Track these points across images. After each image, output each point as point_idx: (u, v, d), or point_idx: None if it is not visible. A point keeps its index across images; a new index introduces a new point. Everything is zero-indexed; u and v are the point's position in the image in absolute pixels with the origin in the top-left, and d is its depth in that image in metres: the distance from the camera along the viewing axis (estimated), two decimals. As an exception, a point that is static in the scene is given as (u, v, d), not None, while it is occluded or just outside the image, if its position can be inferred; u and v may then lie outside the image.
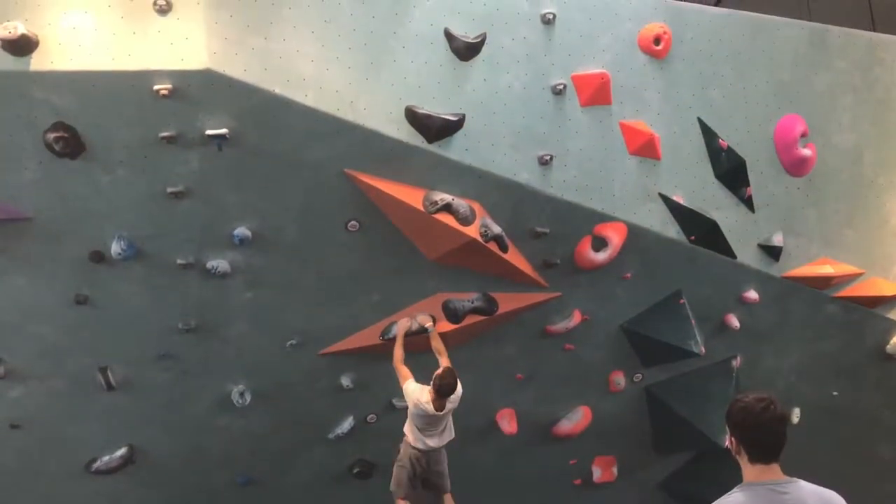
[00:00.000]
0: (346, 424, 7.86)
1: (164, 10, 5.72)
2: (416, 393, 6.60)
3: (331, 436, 7.86)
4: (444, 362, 6.75)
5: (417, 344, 7.08)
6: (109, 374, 7.19)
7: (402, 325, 7.09)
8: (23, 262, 6.61)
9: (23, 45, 5.57)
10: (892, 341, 8.52)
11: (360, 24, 6.23)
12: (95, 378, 7.19)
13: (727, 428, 3.37)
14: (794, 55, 7.77)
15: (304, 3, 6.06)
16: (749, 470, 3.31)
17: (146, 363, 7.23)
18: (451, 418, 6.76)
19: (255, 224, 6.65)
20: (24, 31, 5.52)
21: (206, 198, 6.45)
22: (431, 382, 6.50)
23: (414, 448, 6.77)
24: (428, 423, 6.67)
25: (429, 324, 7.07)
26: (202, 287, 6.90)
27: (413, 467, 6.78)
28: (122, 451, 7.62)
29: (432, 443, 6.73)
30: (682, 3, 7.53)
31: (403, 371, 6.79)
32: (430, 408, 6.52)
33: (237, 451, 7.86)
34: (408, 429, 6.81)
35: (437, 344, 6.96)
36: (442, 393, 6.47)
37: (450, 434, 6.81)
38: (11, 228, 6.37)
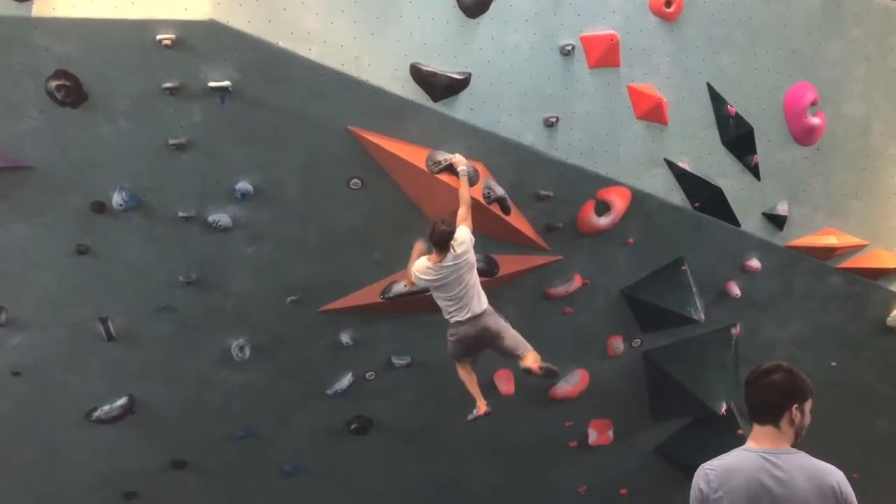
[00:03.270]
0: (345, 381, 7.90)
1: (168, -41, 5.64)
2: (416, 266, 6.35)
3: (329, 392, 7.91)
4: (461, 211, 6.32)
5: (413, 303, 7.08)
6: (110, 325, 7.23)
7: (418, 247, 6.52)
8: (24, 211, 6.62)
9: (24, -9, 5.50)
10: (892, 314, 8.51)
11: (366, -23, 6.14)
12: (96, 328, 7.22)
13: None
14: (808, 22, 7.64)
15: (310, -45, 5.96)
16: (753, 432, 3.32)
17: (147, 315, 7.26)
18: (473, 280, 6.31)
19: (257, 179, 6.62)
20: (26, -24, 5.45)
21: (209, 151, 6.42)
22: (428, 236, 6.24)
23: (454, 322, 6.41)
24: (444, 288, 6.27)
25: (462, 167, 6.42)
26: (203, 240, 6.90)
27: (462, 342, 6.42)
28: (122, 401, 7.69)
29: (465, 309, 6.30)
30: (696, -36, 7.38)
31: (410, 272, 6.48)
32: (432, 272, 6.22)
33: (236, 405, 7.93)
34: (443, 312, 6.47)
35: (463, 190, 6.37)
36: (436, 241, 6.15)
37: (479, 301, 6.34)
38: (13, 176, 6.36)
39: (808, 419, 3.28)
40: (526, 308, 7.78)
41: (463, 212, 6.33)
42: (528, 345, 6.44)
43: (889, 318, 8.54)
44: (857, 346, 8.72)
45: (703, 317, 7.74)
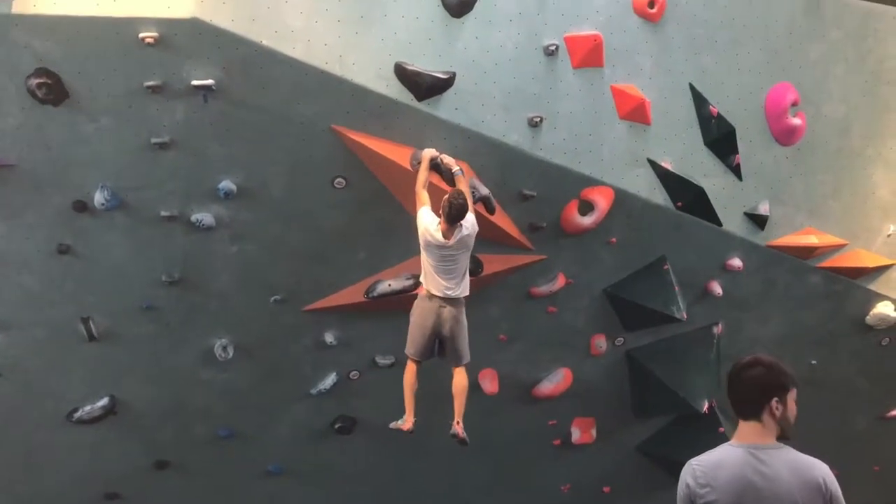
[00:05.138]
0: (329, 381, 7.88)
1: (151, -44, 5.60)
2: (427, 220, 6.18)
3: (313, 391, 7.89)
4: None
5: (397, 303, 7.08)
6: (91, 325, 7.17)
7: (428, 152, 6.40)
8: (5, 210, 6.56)
9: (5, -12, 5.45)
10: (871, 312, 8.61)
11: (351, -24, 6.12)
12: (77, 328, 7.16)
13: None
14: (789, 23, 7.72)
15: (294, -47, 5.95)
16: (738, 427, 3.31)
17: (129, 314, 7.21)
18: (467, 267, 6.35)
19: (241, 178, 6.60)
20: (7, -27, 5.40)
21: (191, 149, 6.39)
22: (441, 207, 6.07)
23: (428, 296, 6.31)
24: (440, 259, 6.18)
25: (456, 168, 6.40)
26: (186, 240, 6.86)
27: (426, 321, 6.30)
28: (103, 402, 7.63)
29: (449, 285, 6.23)
30: (679, -35, 7.42)
31: (423, 196, 6.30)
32: (439, 235, 6.09)
33: (219, 405, 7.89)
34: (422, 276, 6.38)
35: (462, 188, 6.31)
36: (451, 216, 5.98)
37: (466, 286, 6.34)
38: (-7, 175, 6.30)
39: (792, 410, 3.26)
40: (510, 307, 7.81)
41: (468, 204, 6.27)
42: (468, 355, 6.44)
43: (868, 317, 8.64)
44: (837, 344, 8.81)
45: (685, 315, 7.81)
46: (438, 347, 6.48)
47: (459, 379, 6.48)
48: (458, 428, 6.39)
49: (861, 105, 8.18)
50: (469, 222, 6.18)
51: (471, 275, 6.89)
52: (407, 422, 6.46)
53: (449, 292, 6.29)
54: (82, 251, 6.80)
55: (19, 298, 7.01)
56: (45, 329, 7.19)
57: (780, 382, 3.26)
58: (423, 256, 6.30)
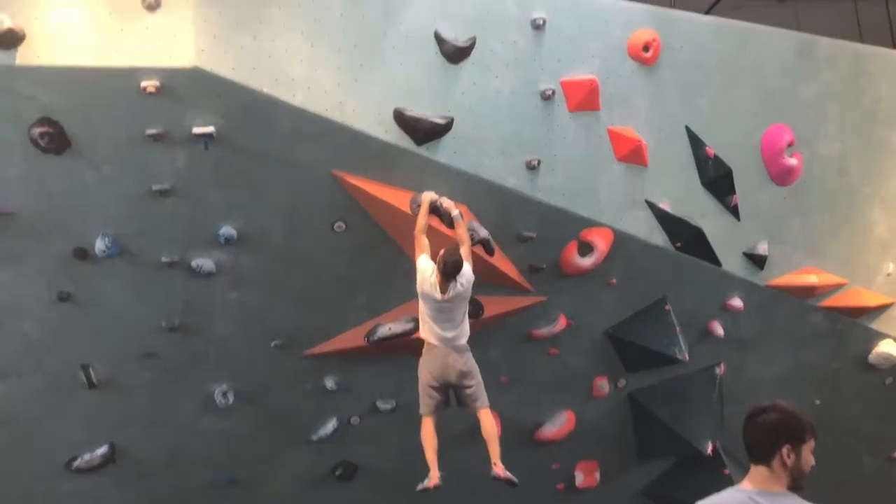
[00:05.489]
0: (330, 426, 7.82)
1: (152, 7, 5.70)
2: (426, 270, 6.12)
3: (314, 437, 7.82)
4: (464, 251, 6.23)
5: (398, 346, 7.06)
6: (91, 372, 7.14)
7: (427, 196, 6.41)
8: (6, 258, 6.56)
9: (9, 39, 5.55)
10: (874, 351, 8.57)
11: (350, 24, 6.22)
12: (77, 376, 7.13)
13: None
14: (783, 65, 7.82)
15: (293, 3, 6.05)
16: (749, 472, 3.25)
17: (129, 361, 7.18)
18: (465, 313, 6.26)
19: (241, 223, 6.62)
20: (11, 25, 5.50)
21: (192, 196, 6.42)
22: (437, 262, 6.04)
23: (428, 348, 6.23)
24: (437, 310, 6.14)
25: (456, 212, 6.39)
26: (187, 286, 6.86)
27: (433, 372, 6.19)
28: (102, 450, 7.55)
29: (448, 334, 6.14)
30: (672, 10, 7.56)
31: (422, 242, 6.29)
32: (436, 292, 6.04)
33: (219, 452, 7.81)
34: (422, 328, 6.29)
35: (461, 232, 6.35)
36: (446, 272, 5.96)
37: (465, 331, 6.24)
38: (-5, 223, 6.33)
39: (807, 462, 3.19)
40: (511, 350, 7.78)
41: (465, 251, 6.28)
42: (485, 398, 6.32)
43: (871, 356, 8.60)
44: (841, 384, 8.75)
45: (687, 356, 7.77)
46: (456, 397, 6.35)
47: (485, 422, 6.32)
48: (497, 469, 6.22)
49: (856, 145, 8.25)
50: (465, 277, 6.15)
51: (471, 317, 6.84)
52: (433, 479, 6.25)
53: (449, 336, 6.23)
54: (83, 298, 6.80)
55: (19, 346, 6.99)
56: (44, 377, 7.14)
57: (794, 431, 3.19)
58: (421, 305, 6.27)
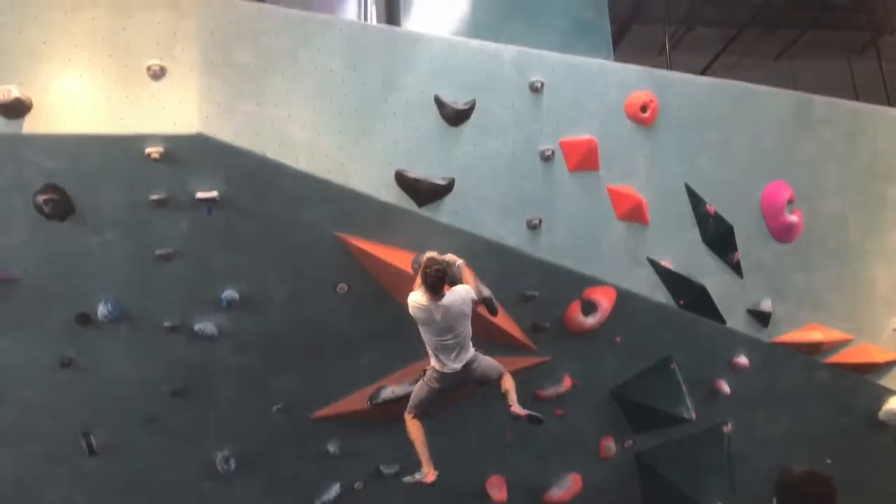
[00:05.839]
0: (333, 492, 7.70)
1: (157, 76, 5.79)
2: (415, 295, 6.09)
3: (317, 503, 7.69)
4: (465, 273, 6.32)
5: (401, 409, 6.98)
6: (92, 439, 7.07)
7: (428, 254, 6.43)
8: (8, 324, 6.55)
9: (16, 109, 5.62)
10: (883, 408, 8.47)
11: (351, 90, 6.32)
12: (78, 442, 7.05)
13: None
14: (780, 123, 7.91)
15: (296, 70, 6.15)
16: None
17: (130, 427, 7.11)
18: (468, 335, 6.19)
19: (244, 286, 6.63)
20: (18, 95, 5.58)
21: (195, 260, 6.44)
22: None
23: (435, 372, 6.24)
24: (439, 333, 6.07)
25: (459, 262, 6.41)
26: (189, 350, 6.83)
27: (440, 384, 6.23)
28: (102, 519, 7.44)
29: (457, 365, 6.15)
30: (669, 71, 7.68)
31: (417, 283, 6.23)
32: (429, 303, 5.99)
33: (220, 519, 7.69)
34: (432, 362, 6.26)
35: (469, 281, 6.37)
36: (430, 284, 5.94)
37: (468, 350, 6.21)
38: (-3, 289, 6.34)
39: None
40: (516, 411, 7.68)
41: (466, 273, 6.34)
42: (500, 366, 6.38)
43: (880, 412, 8.50)
44: (851, 442, 8.62)
45: (694, 415, 7.68)
46: (474, 384, 6.40)
47: (506, 381, 6.36)
48: (516, 409, 6.15)
49: (856, 201, 8.30)
50: (458, 294, 6.10)
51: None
52: (428, 474, 6.22)
53: (455, 367, 6.19)
54: (85, 364, 6.77)
55: (20, 413, 6.93)
56: (44, 444, 7.07)
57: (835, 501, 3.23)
58: (424, 336, 6.22)
